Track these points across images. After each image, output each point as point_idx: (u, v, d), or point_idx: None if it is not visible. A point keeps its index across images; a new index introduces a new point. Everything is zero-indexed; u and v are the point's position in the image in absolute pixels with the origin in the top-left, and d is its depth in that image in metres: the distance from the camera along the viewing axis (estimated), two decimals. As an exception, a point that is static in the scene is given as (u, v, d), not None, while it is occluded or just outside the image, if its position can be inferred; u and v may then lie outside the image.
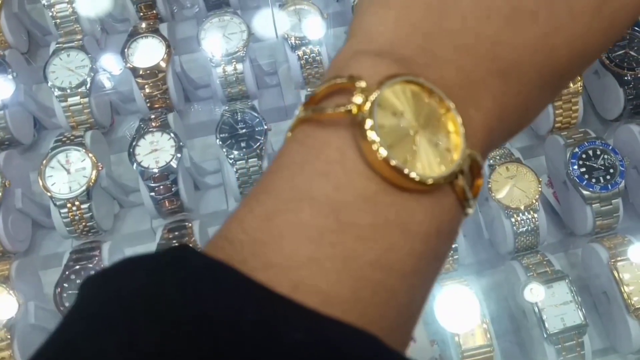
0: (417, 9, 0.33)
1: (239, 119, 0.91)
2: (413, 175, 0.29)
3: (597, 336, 0.92)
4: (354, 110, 0.29)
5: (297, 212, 0.28)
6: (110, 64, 0.99)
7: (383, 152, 0.28)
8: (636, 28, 1.01)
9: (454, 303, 0.84)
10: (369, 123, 0.28)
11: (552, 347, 0.84)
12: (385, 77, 0.30)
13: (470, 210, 0.32)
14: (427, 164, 0.29)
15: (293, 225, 0.28)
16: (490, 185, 0.89)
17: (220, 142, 0.91)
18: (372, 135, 0.28)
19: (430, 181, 0.29)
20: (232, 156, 0.89)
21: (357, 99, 0.29)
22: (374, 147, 0.28)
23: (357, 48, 0.33)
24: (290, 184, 0.29)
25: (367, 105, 0.29)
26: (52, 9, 0.98)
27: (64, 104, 0.93)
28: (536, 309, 0.84)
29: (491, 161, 0.91)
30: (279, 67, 1.07)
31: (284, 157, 0.31)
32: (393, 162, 0.28)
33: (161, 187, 0.88)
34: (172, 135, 0.90)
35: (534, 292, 0.85)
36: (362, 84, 0.30)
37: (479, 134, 0.32)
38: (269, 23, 1.02)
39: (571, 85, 0.93)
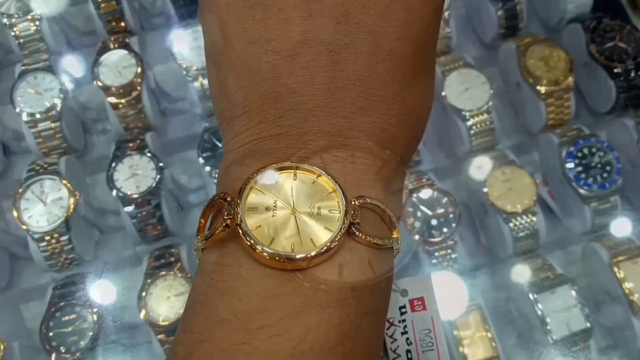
0: (257, 108, 0.36)
1: (220, 135, 0.91)
2: (300, 256, 0.31)
3: (601, 335, 0.93)
4: (230, 223, 0.32)
5: (211, 339, 0.31)
6: (79, 83, 0.98)
7: (266, 251, 0.31)
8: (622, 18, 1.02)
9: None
10: (241, 231, 0.32)
11: (558, 353, 0.85)
12: (244, 182, 0.33)
13: (394, 246, 0.35)
14: (317, 235, 0.33)
15: (210, 353, 0.31)
16: (486, 190, 0.90)
17: (203, 161, 0.91)
18: (248, 240, 0.32)
19: (318, 252, 0.32)
20: (216, 175, 0.89)
21: (226, 214, 0.32)
22: (257, 249, 0.31)
23: (227, 162, 0.36)
24: (201, 315, 0.32)
25: (238, 216, 0.32)
26: (15, 29, 0.97)
27: (34, 129, 0.92)
28: (540, 313, 0.85)
29: (486, 165, 0.91)
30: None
31: (194, 290, 0.34)
32: (275, 255, 0.31)
33: (144, 213, 0.88)
34: (151, 157, 0.89)
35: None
36: (228, 197, 0.33)
37: (369, 169, 0.35)
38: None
39: (562, 80, 0.94)
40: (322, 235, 0.32)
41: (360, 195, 0.34)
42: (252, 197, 0.33)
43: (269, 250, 0.31)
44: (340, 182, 0.34)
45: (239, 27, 0.37)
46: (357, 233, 0.33)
